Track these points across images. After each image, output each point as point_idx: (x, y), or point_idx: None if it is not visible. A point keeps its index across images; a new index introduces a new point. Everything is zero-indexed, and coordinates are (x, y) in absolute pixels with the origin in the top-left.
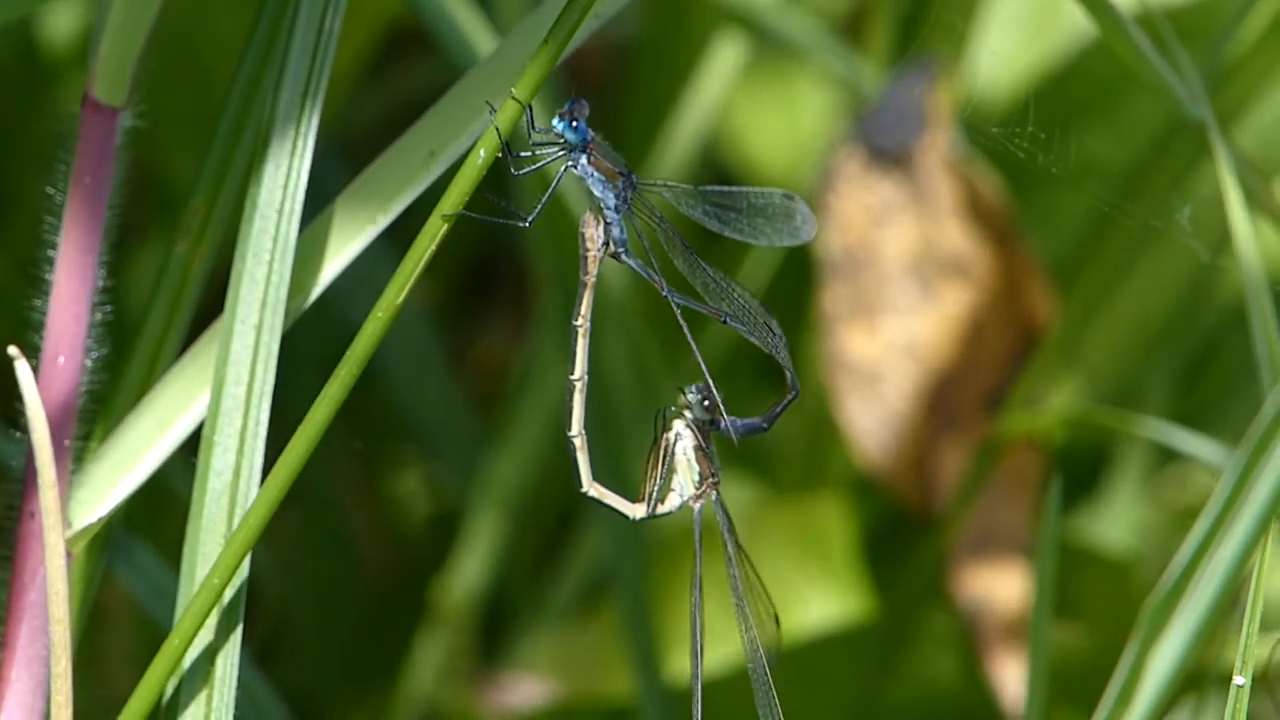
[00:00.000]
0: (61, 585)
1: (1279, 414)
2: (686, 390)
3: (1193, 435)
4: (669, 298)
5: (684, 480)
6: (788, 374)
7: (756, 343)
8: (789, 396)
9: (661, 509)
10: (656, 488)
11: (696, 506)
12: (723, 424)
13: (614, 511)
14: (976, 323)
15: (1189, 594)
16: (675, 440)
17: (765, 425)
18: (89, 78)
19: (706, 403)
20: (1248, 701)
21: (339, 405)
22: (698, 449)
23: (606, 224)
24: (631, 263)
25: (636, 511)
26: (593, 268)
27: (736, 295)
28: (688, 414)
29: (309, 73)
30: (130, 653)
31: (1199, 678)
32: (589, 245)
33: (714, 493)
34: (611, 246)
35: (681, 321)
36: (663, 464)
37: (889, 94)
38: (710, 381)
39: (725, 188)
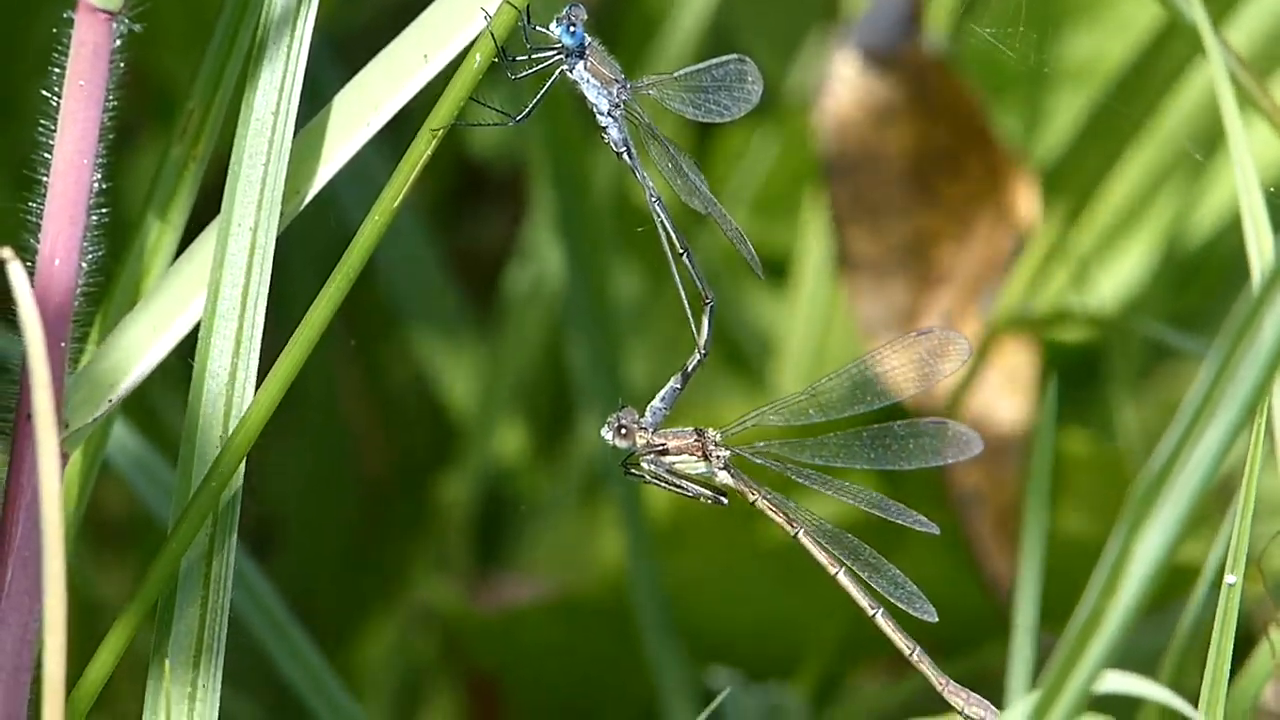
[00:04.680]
0: (55, 486)
1: (1259, 300)
2: None
3: (1185, 334)
4: (654, 206)
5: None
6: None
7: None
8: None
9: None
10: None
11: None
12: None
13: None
14: (969, 220)
15: (1175, 477)
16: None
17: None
18: None
19: None
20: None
21: (336, 308)
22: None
23: (602, 128)
24: (631, 162)
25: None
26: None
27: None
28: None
29: None
30: (128, 555)
31: (1192, 576)
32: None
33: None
34: (614, 147)
35: (663, 232)
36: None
37: None
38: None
39: (692, 67)
